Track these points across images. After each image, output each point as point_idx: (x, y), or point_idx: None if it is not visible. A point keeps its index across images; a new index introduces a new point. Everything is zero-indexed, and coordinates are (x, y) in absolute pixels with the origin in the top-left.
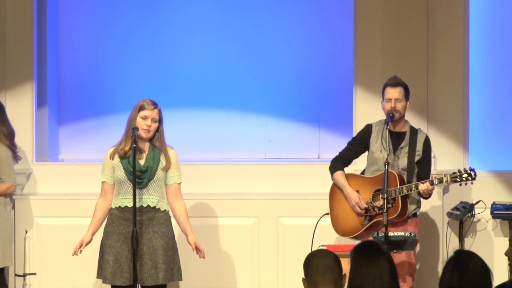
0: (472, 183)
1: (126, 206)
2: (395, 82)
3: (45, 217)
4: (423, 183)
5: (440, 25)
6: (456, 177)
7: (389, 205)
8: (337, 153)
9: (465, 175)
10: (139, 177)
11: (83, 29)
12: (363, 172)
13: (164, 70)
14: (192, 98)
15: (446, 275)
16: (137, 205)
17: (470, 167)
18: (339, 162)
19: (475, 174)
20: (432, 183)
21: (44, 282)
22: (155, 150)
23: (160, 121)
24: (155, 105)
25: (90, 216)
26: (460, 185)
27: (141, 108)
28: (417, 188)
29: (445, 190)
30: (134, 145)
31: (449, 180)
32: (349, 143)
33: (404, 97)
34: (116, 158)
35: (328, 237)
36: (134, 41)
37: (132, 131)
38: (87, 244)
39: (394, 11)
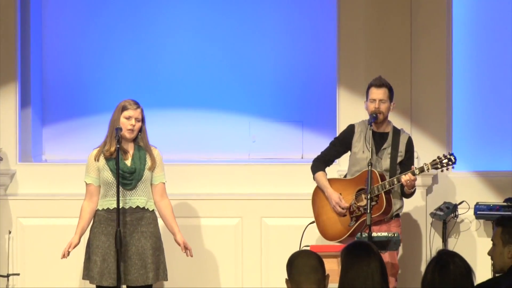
0: (453, 167)
1: (114, 208)
2: (380, 82)
3: (29, 217)
4: (405, 174)
5: (423, 26)
6: (437, 163)
7: (374, 203)
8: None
9: (445, 161)
10: (127, 179)
11: (67, 29)
12: (345, 176)
13: (147, 71)
14: (176, 99)
15: (428, 276)
16: (126, 206)
17: (449, 152)
18: (321, 162)
19: (455, 158)
20: (414, 173)
21: (28, 282)
22: (141, 150)
23: (143, 120)
24: (137, 104)
25: (74, 217)
26: (442, 171)
27: (124, 108)
28: (399, 181)
29: (429, 191)
30: (118, 146)
31: (430, 168)
32: (331, 143)
33: (388, 98)
34: (102, 160)
35: (311, 238)
36: (117, 41)
37: (115, 131)
38: (75, 246)
39: (377, 12)
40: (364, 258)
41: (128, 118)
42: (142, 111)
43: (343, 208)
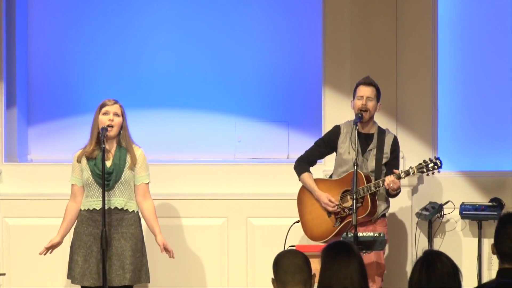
0: (439, 171)
1: (94, 209)
2: (368, 81)
3: (14, 217)
4: (388, 176)
5: (408, 25)
6: (423, 167)
7: (359, 204)
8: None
9: (431, 165)
10: (105, 179)
11: (52, 30)
12: (331, 176)
13: (132, 71)
14: (161, 99)
15: (415, 275)
16: (105, 207)
17: (435, 156)
18: (305, 163)
19: (441, 163)
20: (399, 177)
21: (14, 282)
22: (121, 150)
23: (123, 116)
24: (115, 101)
25: (59, 217)
26: (427, 175)
27: (102, 106)
28: (384, 184)
29: (414, 191)
30: (103, 146)
31: (415, 172)
32: (315, 144)
33: (375, 97)
34: (84, 160)
35: (297, 237)
36: (102, 41)
37: (101, 131)
38: (55, 245)
39: (362, 12)
40: (343, 258)
41: (106, 113)
42: (121, 106)
43: (335, 206)
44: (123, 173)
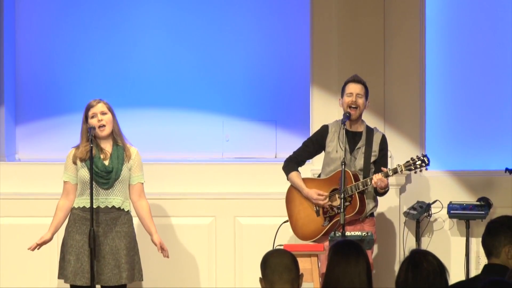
0: (426, 169)
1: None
2: (357, 79)
3: (2, 217)
4: (376, 175)
5: (396, 25)
6: (410, 165)
7: (347, 203)
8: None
9: (418, 162)
10: (104, 178)
11: (40, 29)
12: (319, 175)
13: (120, 70)
14: (149, 98)
15: (401, 275)
16: (102, 205)
17: (423, 154)
18: (293, 163)
19: (428, 160)
20: (386, 175)
21: (2, 282)
22: (119, 149)
23: (110, 111)
24: (98, 100)
25: (48, 216)
26: (415, 172)
27: (88, 109)
28: (372, 182)
29: (402, 190)
30: (91, 145)
31: (403, 169)
32: (304, 144)
33: (364, 95)
34: (78, 160)
35: (286, 237)
36: (90, 40)
37: (89, 131)
38: (46, 242)
39: (350, 11)
40: (353, 257)
41: (94, 115)
42: (105, 103)
43: (325, 198)
44: (122, 172)
